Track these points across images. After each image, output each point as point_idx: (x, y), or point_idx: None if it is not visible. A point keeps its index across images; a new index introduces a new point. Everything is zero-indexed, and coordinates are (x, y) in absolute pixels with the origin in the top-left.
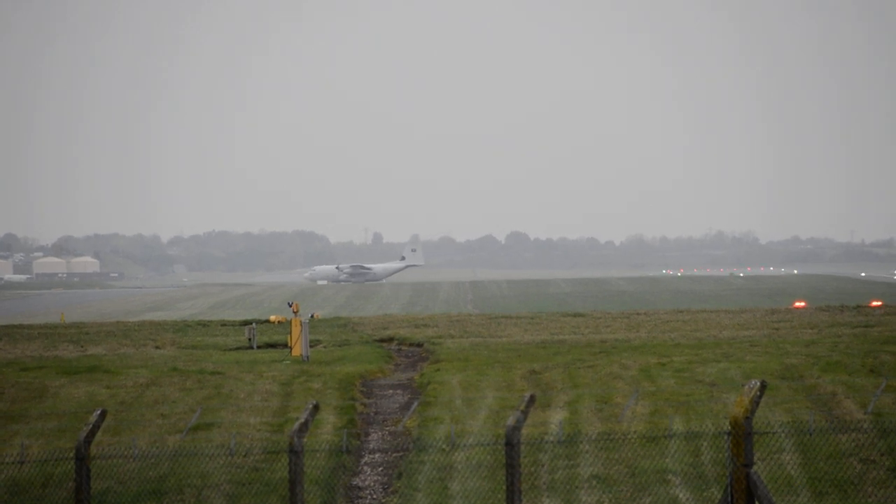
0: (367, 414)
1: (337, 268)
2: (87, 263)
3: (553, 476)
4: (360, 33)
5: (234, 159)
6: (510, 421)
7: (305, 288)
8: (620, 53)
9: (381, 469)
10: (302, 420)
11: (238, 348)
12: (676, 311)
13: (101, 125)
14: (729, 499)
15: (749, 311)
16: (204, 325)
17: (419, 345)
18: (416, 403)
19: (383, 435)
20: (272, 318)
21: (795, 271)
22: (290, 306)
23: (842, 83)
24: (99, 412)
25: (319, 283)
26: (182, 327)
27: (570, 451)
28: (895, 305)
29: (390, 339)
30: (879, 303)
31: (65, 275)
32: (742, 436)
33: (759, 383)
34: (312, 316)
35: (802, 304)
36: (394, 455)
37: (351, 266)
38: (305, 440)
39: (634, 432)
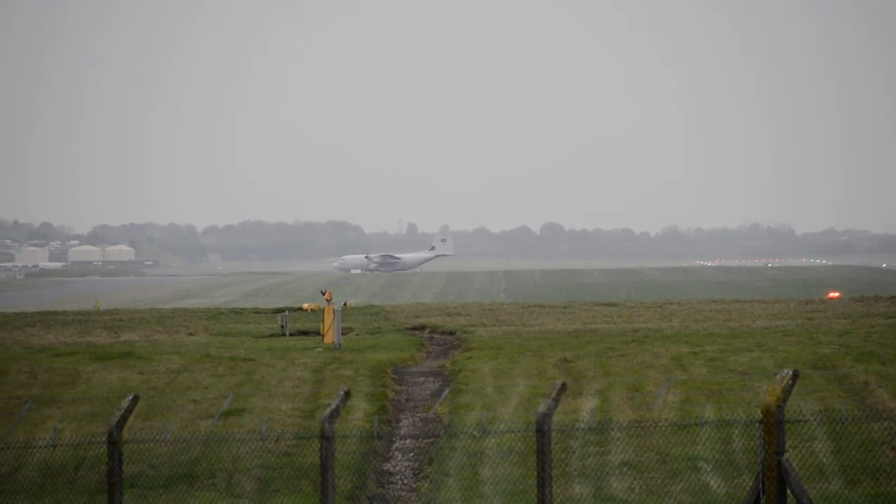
0: (399, 401)
1: (366, 257)
2: (122, 252)
3: (584, 463)
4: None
5: (271, 152)
6: (541, 408)
7: (339, 277)
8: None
9: (411, 455)
10: (333, 406)
11: (271, 336)
12: (709, 301)
13: (136, 117)
14: (760, 486)
15: (783, 301)
16: (237, 312)
17: (451, 333)
18: (447, 390)
19: (414, 421)
20: (305, 306)
21: (830, 262)
22: (323, 294)
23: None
24: (131, 397)
25: (353, 272)
26: (215, 314)
27: (600, 438)
28: None
29: (422, 328)
30: None
31: (100, 263)
32: (774, 424)
33: (791, 372)
34: (345, 304)
35: (836, 294)
36: (425, 441)
37: (380, 255)
38: (337, 426)
39: (665, 420)
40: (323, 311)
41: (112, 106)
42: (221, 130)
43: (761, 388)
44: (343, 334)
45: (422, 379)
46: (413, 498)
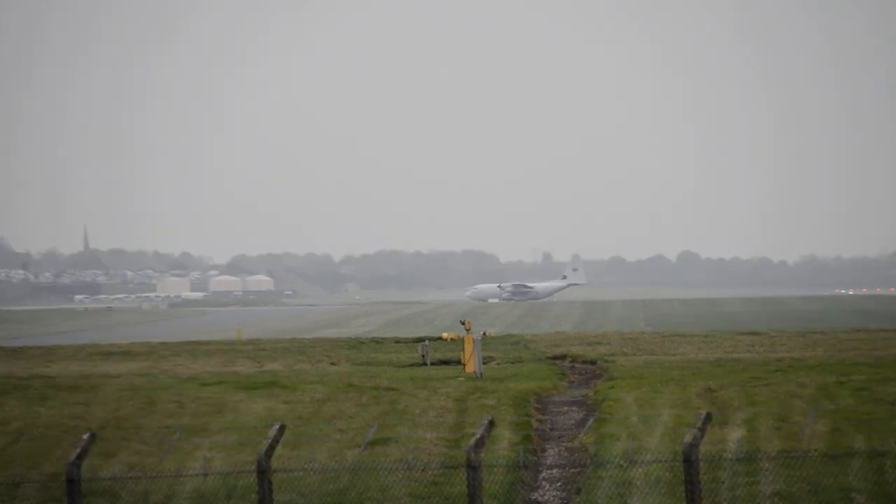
0: (543, 430)
1: (499, 286)
2: (260, 281)
3: (734, 493)
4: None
5: (408, 180)
6: (687, 438)
7: (476, 306)
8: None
9: (559, 484)
10: (478, 435)
11: (412, 365)
12: (854, 330)
13: (275, 148)
14: None
15: None
16: (378, 342)
17: (592, 362)
18: (591, 420)
19: (560, 451)
20: (444, 335)
21: None
22: (463, 324)
23: None
24: (278, 426)
25: (491, 300)
26: (356, 344)
27: (749, 468)
28: None
29: (563, 357)
30: None
31: (240, 292)
32: None
33: None
34: (484, 333)
35: None
36: (571, 471)
37: (512, 285)
38: (482, 455)
39: (815, 450)
40: (463, 340)
41: (254, 137)
42: (358, 158)
43: None
44: (484, 363)
45: (565, 408)
46: None
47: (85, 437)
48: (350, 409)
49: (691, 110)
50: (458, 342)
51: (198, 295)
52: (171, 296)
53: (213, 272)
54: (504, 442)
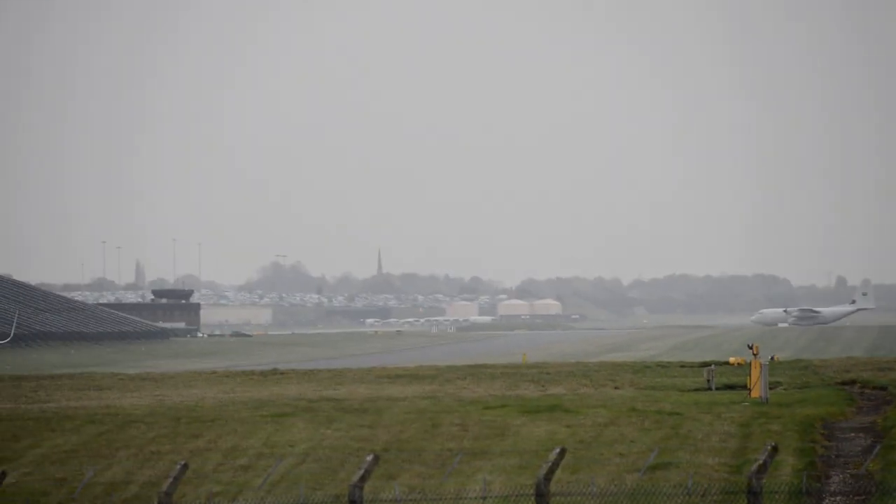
0: (828, 456)
1: (784, 311)
2: (549, 305)
3: None
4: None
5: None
6: None
7: (765, 331)
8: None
9: None
10: (760, 461)
11: (696, 389)
12: None
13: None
14: None
15: None
16: (663, 366)
17: (883, 388)
18: (878, 446)
19: (845, 478)
20: (732, 359)
21: None
22: (750, 348)
23: None
24: (558, 450)
25: (780, 325)
26: (641, 368)
27: None
28: None
29: (852, 382)
30: None
31: (527, 316)
32: None
33: None
34: (772, 358)
35: None
36: (855, 498)
37: (799, 309)
38: (764, 481)
39: None
40: (750, 364)
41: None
42: (648, 187)
43: None
44: (770, 388)
45: (852, 434)
46: None
47: (368, 458)
48: (632, 434)
49: None
50: (744, 367)
51: (486, 319)
52: (460, 319)
53: (501, 296)
54: (787, 468)
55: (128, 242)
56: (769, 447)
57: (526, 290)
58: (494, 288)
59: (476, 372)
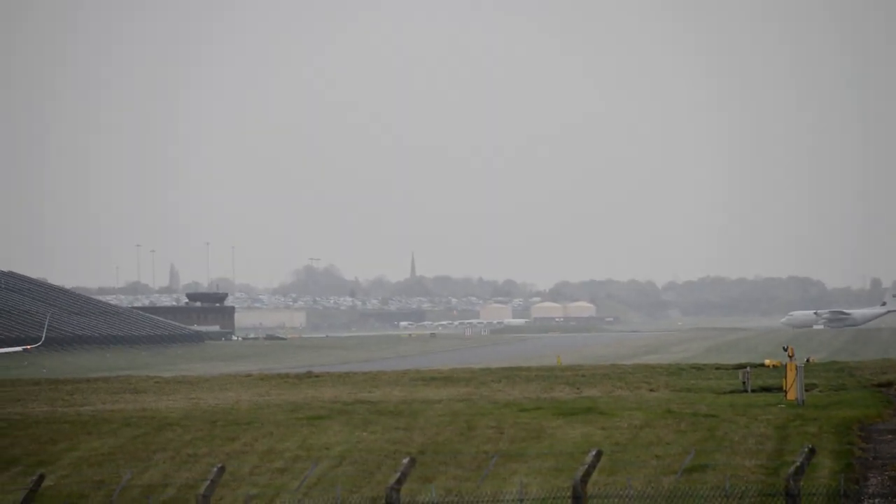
0: (866, 458)
1: (815, 313)
2: (582, 308)
3: None
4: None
5: (730, 203)
6: None
7: (800, 333)
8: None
9: None
10: (798, 463)
11: (732, 391)
12: None
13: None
14: None
15: None
16: (698, 368)
17: None
18: None
19: (883, 480)
20: (767, 361)
21: None
22: (785, 350)
23: None
24: (594, 452)
25: (815, 327)
26: (676, 370)
27: None
28: None
29: (889, 384)
30: None
31: (561, 319)
32: None
33: None
34: (808, 360)
35: None
36: (894, 501)
37: (829, 311)
38: (801, 483)
39: None
40: (785, 367)
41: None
42: (687, 184)
43: None
44: (806, 390)
45: (889, 437)
46: None
47: (405, 461)
48: (668, 436)
49: None
50: (780, 369)
51: (519, 321)
52: (494, 322)
53: (535, 299)
54: (825, 470)
55: (162, 246)
56: (806, 449)
57: (559, 293)
58: (528, 290)
59: (511, 374)
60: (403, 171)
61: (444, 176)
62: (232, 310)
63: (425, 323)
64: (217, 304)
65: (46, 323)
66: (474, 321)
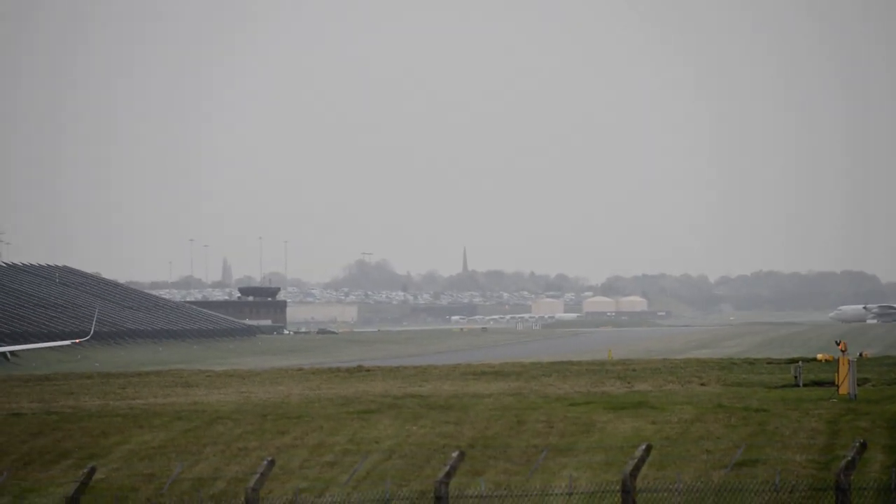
0: None
1: (864, 307)
2: (634, 302)
3: None
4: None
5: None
6: None
7: (854, 327)
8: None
9: None
10: (849, 458)
11: (783, 386)
12: None
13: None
14: None
15: None
16: (750, 363)
17: None
18: None
19: None
20: (819, 356)
21: None
22: (838, 345)
23: None
24: (644, 447)
25: (869, 321)
26: (727, 365)
27: None
28: None
29: None
30: None
31: (613, 313)
32: None
33: None
34: (861, 354)
35: None
36: None
37: (878, 306)
38: (852, 478)
39: None
40: (838, 361)
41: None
42: (739, 179)
43: None
44: (858, 385)
45: None
46: None
47: (454, 455)
48: (718, 430)
49: None
50: (832, 363)
51: (571, 316)
52: (545, 317)
53: (587, 293)
54: (876, 465)
55: (215, 241)
56: (857, 444)
57: (611, 287)
58: (580, 285)
59: (561, 369)
60: (457, 165)
61: (495, 170)
62: (284, 304)
63: (477, 317)
64: (269, 299)
65: (95, 316)
66: (526, 316)
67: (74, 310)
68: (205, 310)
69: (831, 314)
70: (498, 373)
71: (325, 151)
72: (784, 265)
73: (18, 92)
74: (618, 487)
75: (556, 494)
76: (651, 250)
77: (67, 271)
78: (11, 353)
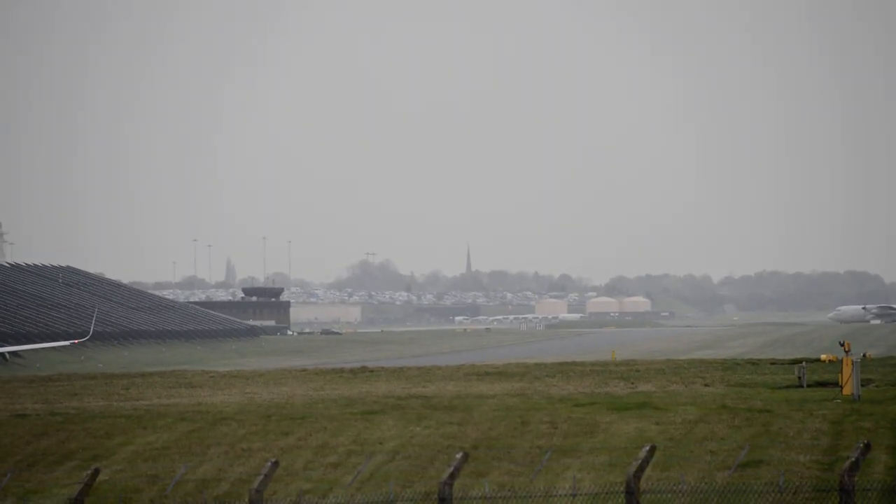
0: None
1: (863, 308)
2: (638, 303)
3: None
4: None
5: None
6: None
7: (858, 328)
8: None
9: None
10: (853, 459)
11: (787, 387)
12: None
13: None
14: None
15: None
16: (753, 363)
17: None
18: None
19: None
20: (823, 356)
21: None
22: (842, 345)
23: None
24: (648, 447)
25: (873, 322)
26: (731, 365)
27: None
28: None
29: None
30: None
31: (616, 314)
32: None
33: None
34: (864, 355)
35: None
36: None
37: (878, 307)
38: (856, 479)
39: None
40: (841, 362)
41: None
42: (742, 182)
43: None
44: (862, 386)
45: None
46: None
47: (458, 456)
48: (722, 431)
49: None
50: (836, 364)
51: (575, 316)
52: (549, 317)
53: (590, 294)
54: (880, 465)
55: (218, 241)
56: (861, 445)
57: (615, 288)
58: (583, 285)
59: (565, 369)
60: (459, 165)
61: (499, 171)
62: (287, 304)
63: (480, 318)
64: (273, 299)
65: (94, 317)
66: (529, 316)
67: (77, 310)
68: (208, 310)
69: (830, 314)
70: (502, 373)
71: (327, 151)
72: (787, 266)
73: (26, 92)
74: (622, 488)
75: (560, 495)
76: (654, 251)
77: (71, 271)
78: (11, 353)
